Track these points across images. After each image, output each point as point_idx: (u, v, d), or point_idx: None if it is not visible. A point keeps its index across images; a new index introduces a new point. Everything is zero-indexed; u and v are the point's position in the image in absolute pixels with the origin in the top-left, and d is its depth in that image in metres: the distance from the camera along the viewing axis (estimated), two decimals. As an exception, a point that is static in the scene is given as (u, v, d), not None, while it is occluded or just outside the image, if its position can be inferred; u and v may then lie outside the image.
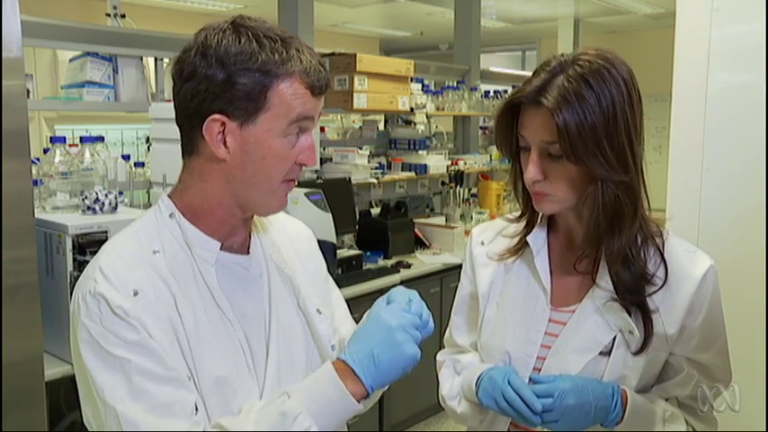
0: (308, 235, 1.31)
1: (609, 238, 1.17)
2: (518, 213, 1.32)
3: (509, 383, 1.15)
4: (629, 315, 1.17)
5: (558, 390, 1.12)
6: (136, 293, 0.99)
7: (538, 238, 1.27)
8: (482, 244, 1.36)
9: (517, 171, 1.24)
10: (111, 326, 0.97)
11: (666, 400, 1.24)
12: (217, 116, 1.01)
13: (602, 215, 1.15)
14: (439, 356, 1.41)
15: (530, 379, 1.19)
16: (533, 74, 1.17)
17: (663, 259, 1.20)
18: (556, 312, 1.24)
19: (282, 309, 1.14)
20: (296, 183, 1.11)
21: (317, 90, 1.05)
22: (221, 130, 1.02)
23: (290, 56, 1.02)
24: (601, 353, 1.19)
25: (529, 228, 1.29)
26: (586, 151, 1.10)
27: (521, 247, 1.29)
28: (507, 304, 1.28)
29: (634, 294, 1.17)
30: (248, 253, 1.14)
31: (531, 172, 1.15)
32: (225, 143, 1.02)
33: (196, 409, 0.99)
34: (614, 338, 1.18)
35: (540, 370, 1.22)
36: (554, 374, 1.16)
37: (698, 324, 1.19)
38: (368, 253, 3.78)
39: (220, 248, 1.09)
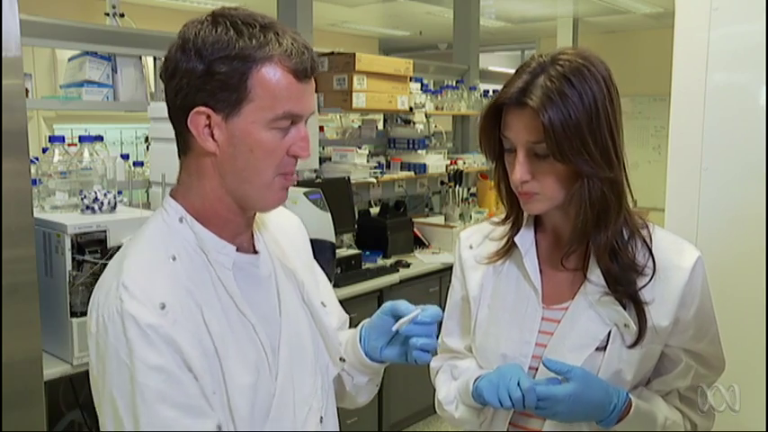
0: (297, 223, 1.29)
1: (595, 234, 1.18)
2: (503, 216, 1.32)
3: (518, 385, 1.13)
4: (624, 308, 1.18)
5: (551, 396, 1.11)
6: (163, 307, 0.97)
7: (525, 238, 1.27)
8: (470, 248, 1.35)
9: (500, 173, 1.24)
10: (137, 349, 0.94)
11: (668, 393, 1.25)
12: (201, 108, 0.99)
13: (590, 211, 1.16)
14: (433, 363, 1.38)
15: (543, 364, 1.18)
16: (514, 75, 1.17)
17: (650, 251, 1.20)
18: (548, 311, 1.24)
19: (290, 304, 1.14)
20: (295, 176, 1.08)
21: (302, 73, 1.00)
22: (207, 123, 1.00)
23: (268, 39, 0.98)
24: (597, 348, 1.19)
25: (515, 228, 1.29)
26: (572, 149, 1.11)
27: (509, 249, 1.29)
28: (499, 306, 1.28)
29: (625, 286, 1.18)
30: (255, 252, 1.12)
31: (519, 173, 1.16)
32: (213, 136, 1.00)
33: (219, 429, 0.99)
34: (609, 333, 1.19)
35: (536, 369, 1.21)
36: (567, 366, 1.14)
37: (692, 315, 1.20)
38: (367, 252, 3.79)
39: None
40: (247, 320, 1.05)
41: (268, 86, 0.98)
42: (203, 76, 0.98)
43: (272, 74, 0.98)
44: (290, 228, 1.26)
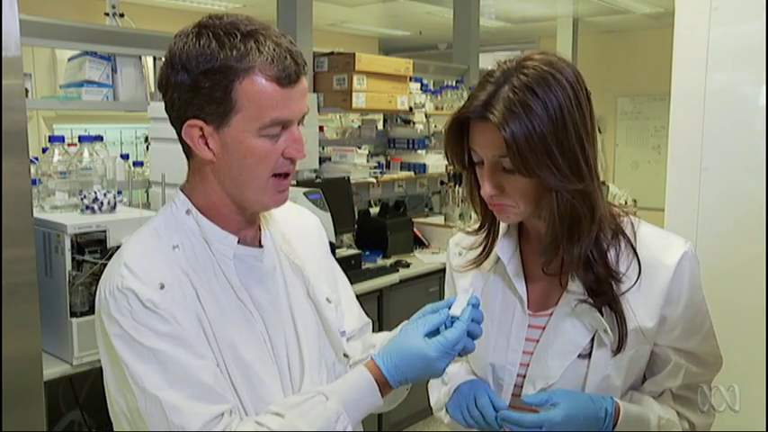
0: (315, 222, 1.33)
1: (569, 246, 1.15)
2: (476, 226, 1.30)
3: (474, 401, 1.15)
4: (602, 315, 1.16)
5: (547, 421, 1.10)
6: (162, 286, 1.01)
7: (507, 247, 1.26)
8: (459, 254, 1.35)
9: (473, 182, 1.22)
10: (142, 318, 0.99)
11: (661, 394, 1.23)
12: (192, 121, 1.03)
13: (559, 224, 1.13)
14: None
15: (520, 398, 1.18)
16: (478, 86, 1.14)
17: (635, 254, 1.17)
18: (534, 317, 1.23)
19: (295, 300, 1.16)
20: (293, 177, 1.11)
21: (285, 79, 1.01)
22: (201, 134, 1.03)
23: (248, 49, 1.00)
24: (580, 355, 1.17)
25: (491, 238, 1.27)
26: (538, 163, 1.08)
27: (485, 257, 1.28)
28: (487, 315, 1.25)
29: (601, 296, 1.16)
30: (260, 246, 1.15)
31: (487, 188, 1.14)
32: (208, 145, 1.04)
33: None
34: (592, 340, 1.17)
35: (524, 377, 1.21)
36: (546, 393, 1.14)
37: (679, 313, 1.17)
38: (367, 252, 3.79)
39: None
40: (246, 308, 1.08)
41: (252, 97, 1.00)
42: (190, 91, 1.01)
43: (254, 84, 1.00)
44: (306, 226, 1.29)
